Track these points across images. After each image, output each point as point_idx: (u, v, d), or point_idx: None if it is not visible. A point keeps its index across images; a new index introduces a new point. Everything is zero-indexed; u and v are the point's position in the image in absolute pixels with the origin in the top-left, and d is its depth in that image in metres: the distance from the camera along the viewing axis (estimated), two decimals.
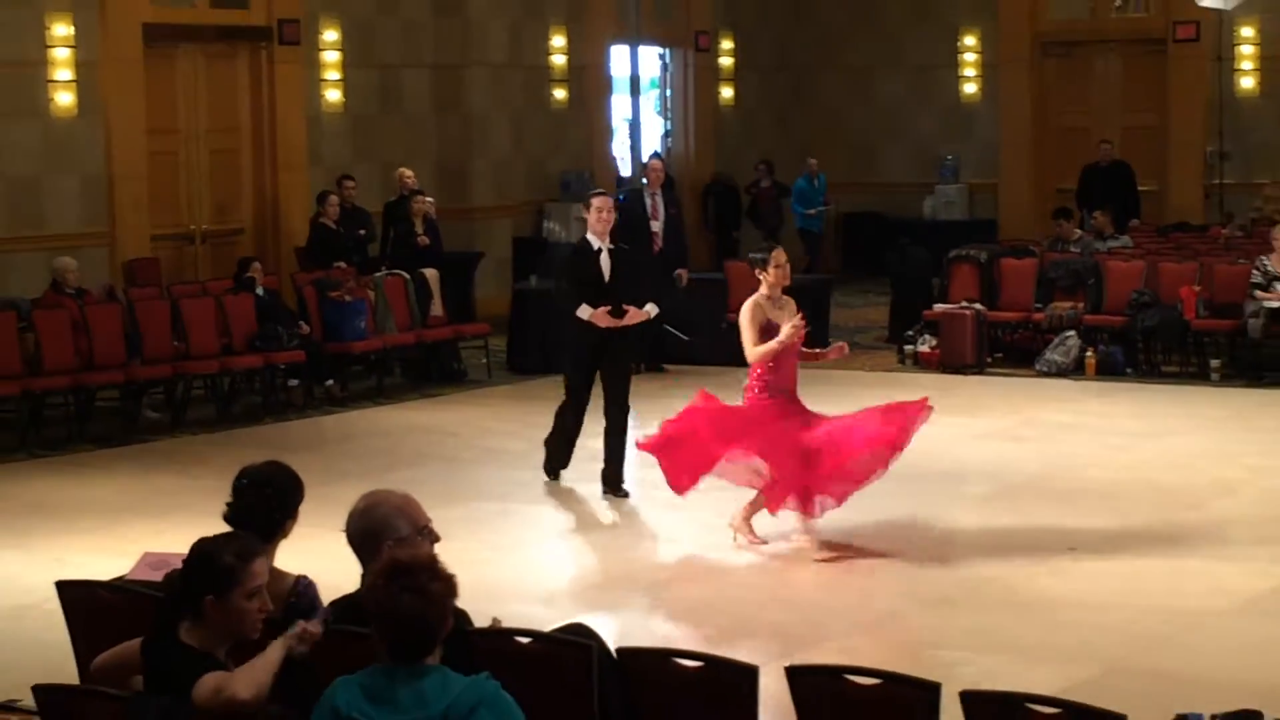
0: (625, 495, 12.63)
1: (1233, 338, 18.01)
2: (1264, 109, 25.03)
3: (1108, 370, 18.10)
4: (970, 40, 27.16)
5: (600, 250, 12.61)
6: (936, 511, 12.36)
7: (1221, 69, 24.74)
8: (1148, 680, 8.37)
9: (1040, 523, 11.84)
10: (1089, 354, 18.24)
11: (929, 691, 5.41)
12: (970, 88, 27.35)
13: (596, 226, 12.58)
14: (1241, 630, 9.45)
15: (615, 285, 12.47)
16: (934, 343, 18.90)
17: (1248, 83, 25.18)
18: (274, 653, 5.38)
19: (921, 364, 18.88)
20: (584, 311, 12.44)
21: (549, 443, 13.26)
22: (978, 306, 18.91)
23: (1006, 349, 19.14)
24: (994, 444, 14.86)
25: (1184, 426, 15.49)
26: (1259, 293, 17.64)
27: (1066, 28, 26.52)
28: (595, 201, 12.71)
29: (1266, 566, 10.62)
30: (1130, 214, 22.75)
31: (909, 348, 19.25)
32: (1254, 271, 17.87)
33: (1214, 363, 17.97)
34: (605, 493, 12.67)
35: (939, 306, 19.10)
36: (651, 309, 12.71)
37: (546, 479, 13.18)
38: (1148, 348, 18.51)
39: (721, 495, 11.48)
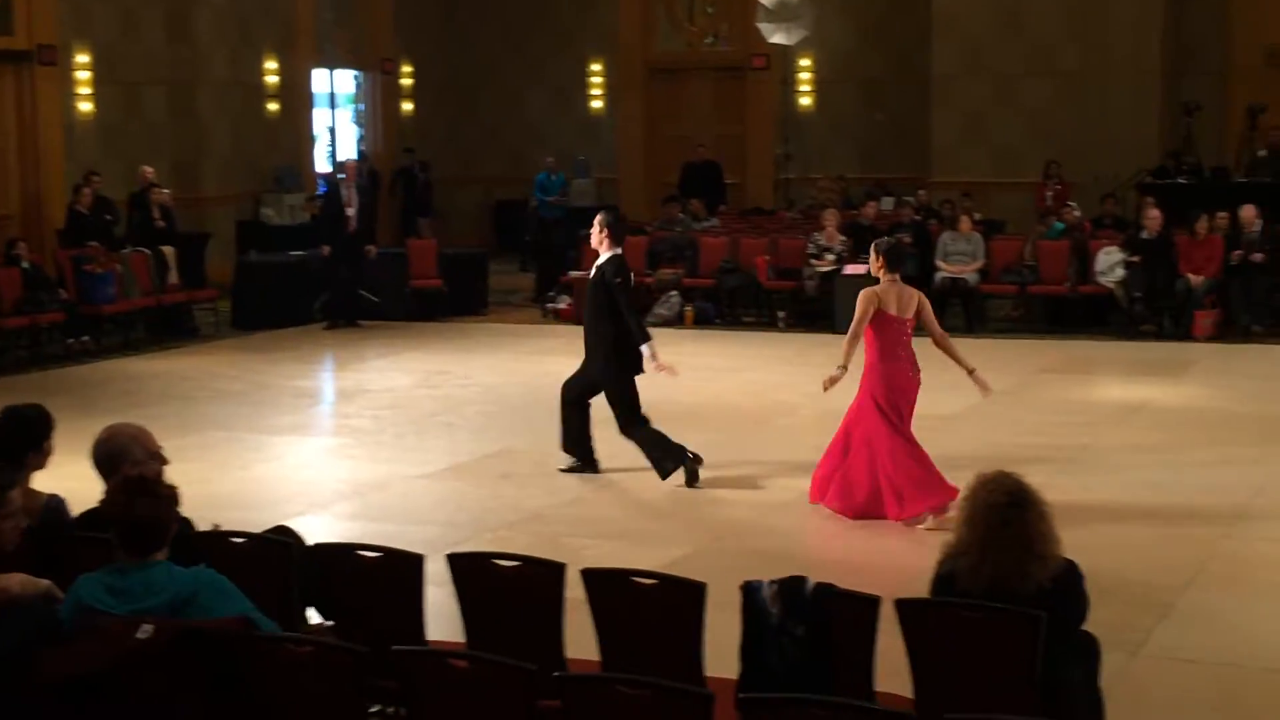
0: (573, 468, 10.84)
1: (794, 294, 18.45)
2: (817, 121, 25.58)
3: (702, 321, 18.42)
4: (597, 67, 27.22)
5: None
6: None
7: (786, 90, 25.23)
8: (731, 557, 8.53)
9: None
10: (688, 309, 18.54)
11: (556, 570, 5.42)
12: (597, 104, 27.44)
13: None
14: (800, 517, 9.67)
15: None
16: (569, 301, 18.98)
17: (806, 101, 25.70)
18: (43, 581, 5.15)
19: (559, 318, 18.95)
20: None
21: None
22: None
23: None
24: None
25: (758, 364, 15.81)
26: (813, 260, 18.10)
27: (670, 58, 26.73)
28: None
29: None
30: (719, 201, 23.07)
31: (549, 306, 19.32)
32: (809, 245, 18.31)
33: (780, 314, 18.41)
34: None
35: (573, 273, 19.17)
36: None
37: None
38: (732, 303, 18.89)
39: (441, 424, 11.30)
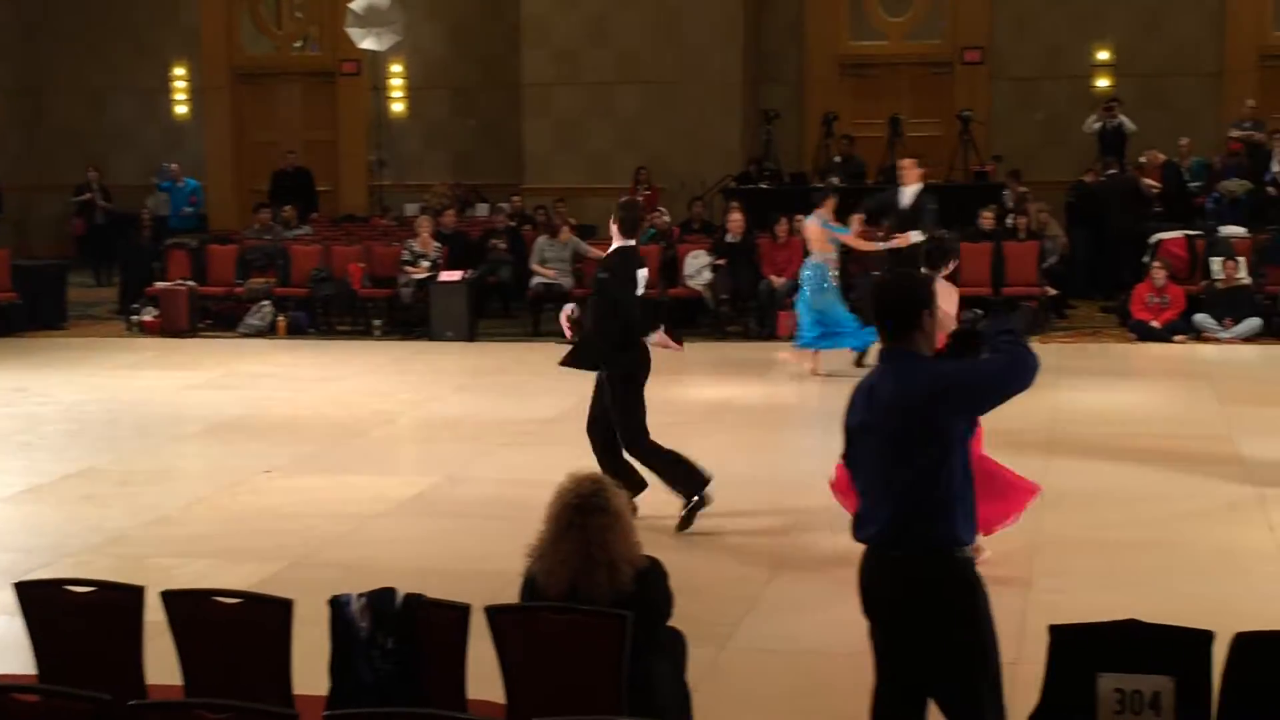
0: None
1: (389, 302, 18.35)
2: (410, 127, 25.54)
3: (295, 331, 18.15)
4: (181, 70, 26.46)
5: None
6: (161, 445, 12.07)
7: (378, 96, 25.10)
8: (324, 570, 8.37)
9: (244, 451, 11.68)
10: (280, 318, 18.21)
11: (134, 594, 5.22)
12: (182, 109, 26.67)
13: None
14: (396, 528, 9.60)
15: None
16: (156, 313, 18.40)
17: (398, 107, 25.62)
18: None
19: (145, 331, 18.35)
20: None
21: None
22: (190, 283, 18.55)
23: (215, 316, 18.85)
24: (206, 392, 14.58)
25: (354, 372, 15.64)
26: (408, 268, 18.02)
27: (257, 62, 26.22)
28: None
29: (416, 477, 10.84)
30: (311, 209, 22.78)
31: (135, 318, 18.68)
32: (404, 252, 18.25)
33: (376, 322, 18.28)
34: None
35: (159, 284, 18.61)
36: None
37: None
38: (325, 312, 18.66)
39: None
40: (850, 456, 4.99)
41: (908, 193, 15.24)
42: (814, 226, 14.90)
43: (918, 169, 15.45)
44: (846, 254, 15.78)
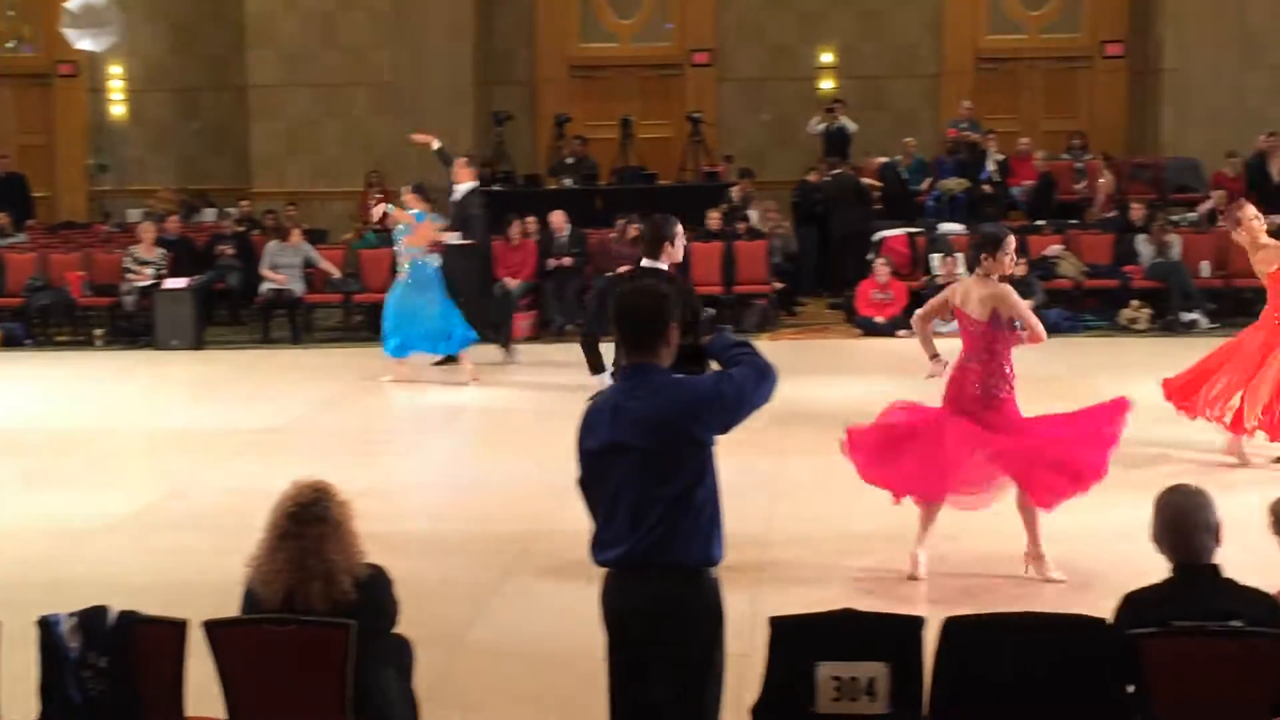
0: None
1: (112, 311, 17.86)
2: (132, 130, 24.83)
3: (10, 343, 17.53)
4: None
5: None
6: None
7: (97, 98, 24.37)
8: (37, 591, 8.04)
9: None
10: None
11: None
12: None
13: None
14: (118, 544, 9.30)
15: None
16: None
17: (119, 110, 24.90)
18: None
19: None
20: None
21: None
22: None
23: None
24: None
25: (75, 384, 15.16)
26: (130, 275, 17.56)
27: None
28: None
29: (139, 491, 10.48)
30: (26, 216, 21.99)
31: None
32: (126, 259, 17.79)
33: (97, 332, 17.77)
34: None
35: None
36: None
37: None
38: (43, 322, 18.06)
39: None
40: (589, 480, 4.77)
41: (459, 191, 15.22)
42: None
43: (469, 168, 15.35)
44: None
